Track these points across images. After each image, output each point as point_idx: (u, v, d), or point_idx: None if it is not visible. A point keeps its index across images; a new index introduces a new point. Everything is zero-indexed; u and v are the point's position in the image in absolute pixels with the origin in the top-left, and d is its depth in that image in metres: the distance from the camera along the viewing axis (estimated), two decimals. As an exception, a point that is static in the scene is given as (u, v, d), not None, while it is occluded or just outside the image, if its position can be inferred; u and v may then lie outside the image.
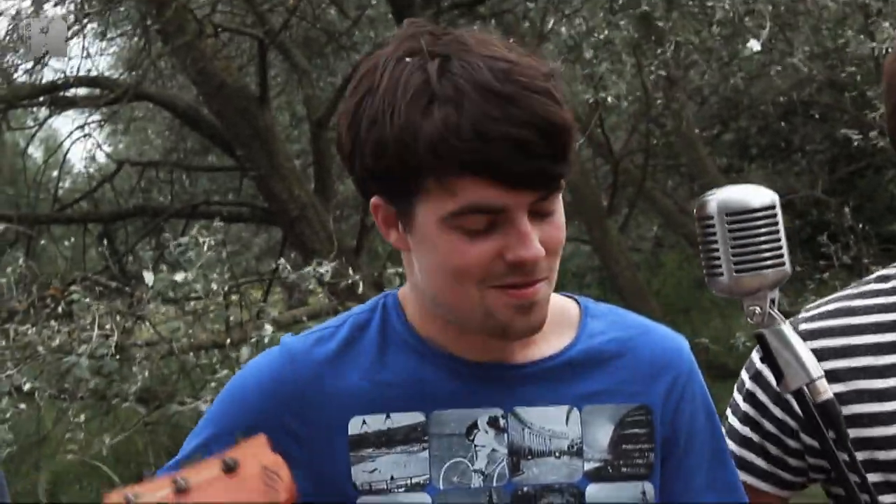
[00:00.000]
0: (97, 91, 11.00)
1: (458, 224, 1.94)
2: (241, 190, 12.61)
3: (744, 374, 2.49)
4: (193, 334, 7.87)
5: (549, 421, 2.09)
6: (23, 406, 7.21)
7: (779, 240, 2.10)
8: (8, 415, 6.95)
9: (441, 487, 2.05)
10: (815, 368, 2.10)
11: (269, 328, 6.94)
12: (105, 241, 11.37)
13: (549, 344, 2.12)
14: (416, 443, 2.06)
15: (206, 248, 7.16)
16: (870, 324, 2.40)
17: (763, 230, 2.09)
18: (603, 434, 2.10)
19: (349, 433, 2.05)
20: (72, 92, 11.15)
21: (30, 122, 14.66)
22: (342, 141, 2.03)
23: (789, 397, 2.19)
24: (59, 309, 7.45)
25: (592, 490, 2.09)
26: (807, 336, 2.33)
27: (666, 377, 2.16)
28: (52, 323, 7.48)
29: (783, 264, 2.10)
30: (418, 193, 1.95)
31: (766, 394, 2.43)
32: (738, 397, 2.49)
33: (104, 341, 7.02)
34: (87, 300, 7.34)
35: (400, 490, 2.05)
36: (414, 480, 2.05)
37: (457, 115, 1.89)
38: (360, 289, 7.64)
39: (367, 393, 2.06)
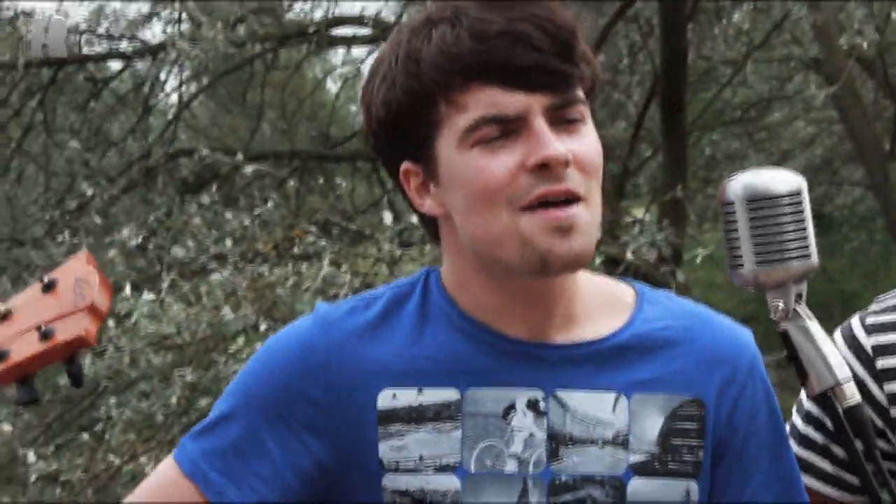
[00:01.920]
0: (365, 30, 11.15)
1: (475, 140, 1.90)
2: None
3: None
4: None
5: (594, 407, 1.98)
6: (258, 345, 7.39)
7: (805, 229, 1.94)
8: (244, 354, 7.12)
9: (472, 470, 1.97)
10: (842, 370, 1.96)
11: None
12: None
13: (599, 326, 2.02)
14: (449, 421, 1.97)
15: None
16: None
17: (788, 218, 1.94)
18: (651, 425, 1.99)
19: (378, 407, 1.98)
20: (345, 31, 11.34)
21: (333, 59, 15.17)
22: (365, 122, 2.03)
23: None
24: (297, 251, 7.58)
25: (636, 484, 1.98)
26: (874, 329, 2.22)
27: (723, 371, 2.02)
28: (298, 265, 7.62)
29: (809, 256, 1.94)
30: (433, 127, 1.93)
31: None
32: (802, 394, 2.33)
33: (335, 281, 7.12)
34: (323, 243, 7.45)
35: (428, 470, 1.97)
36: (444, 461, 1.97)
37: (454, 28, 1.90)
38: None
39: (399, 365, 1.99)
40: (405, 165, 1.99)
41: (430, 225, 2.04)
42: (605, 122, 12.21)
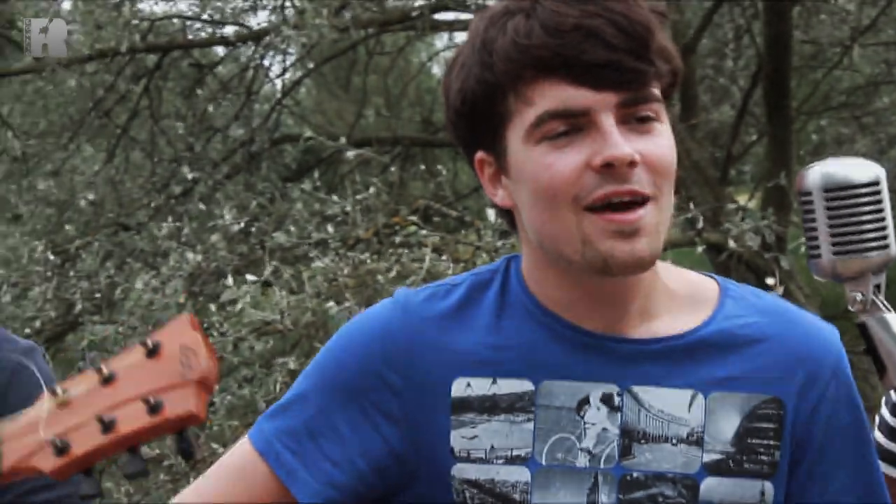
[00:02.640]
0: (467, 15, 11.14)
1: (541, 135, 1.90)
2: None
3: (884, 402, 2.29)
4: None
5: (670, 404, 1.97)
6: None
7: (883, 219, 1.92)
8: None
9: (543, 463, 1.97)
10: (923, 364, 1.91)
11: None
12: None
13: (679, 322, 2.01)
14: (522, 412, 1.98)
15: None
16: None
17: (866, 208, 1.92)
18: (728, 425, 1.98)
19: (452, 395, 1.99)
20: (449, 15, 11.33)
21: (437, 43, 15.20)
22: (444, 110, 2.04)
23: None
24: (398, 239, 7.59)
25: (710, 483, 1.97)
26: None
27: (805, 371, 2.00)
28: (398, 251, 7.63)
29: (887, 246, 1.92)
30: (504, 119, 1.93)
31: None
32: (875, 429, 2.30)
33: (437, 267, 7.11)
34: (424, 231, 7.45)
35: (499, 461, 1.98)
36: (515, 452, 1.98)
37: (529, 20, 1.89)
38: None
39: (475, 354, 2.00)
40: (479, 155, 2.00)
41: (507, 215, 2.04)
42: (708, 106, 12.08)
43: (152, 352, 1.66)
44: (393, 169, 10.54)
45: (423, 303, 2.05)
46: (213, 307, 7.28)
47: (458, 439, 1.99)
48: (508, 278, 2.05)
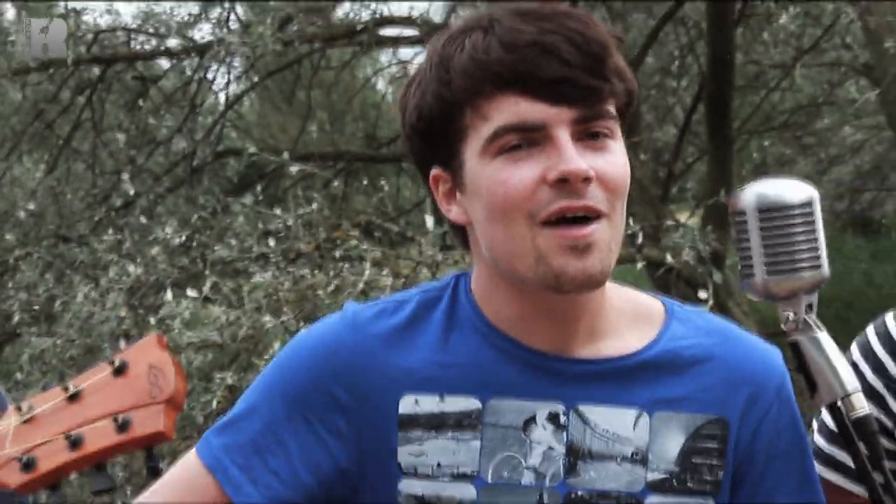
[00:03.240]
0: (411, 31, 11.16)
1: (496, 149, 1.90)
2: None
3: None
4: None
5: (615, 424, 1.99)
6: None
7: (816, 240, 1.93)
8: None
9: (489, 481, 1.98)
10: (852, 382, 1.94)
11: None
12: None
13: (625, 342, 2.02)
14: (469, 430, 1.99)
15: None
16: None
17: (799, 229, 1.93)
18: (672, 444, 1.99)
19: (399, 411, 2.00)
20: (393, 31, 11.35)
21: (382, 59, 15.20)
22: (401, 126, 2.03)
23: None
24: (339, 253, 7.58)
25: (653, 502, 1.98)
26: None
27: (748, 390, 2.02)
28: (339, 266, 7.62)
29: (819, 267, 1.92)
30: (460, 135, 1.93)
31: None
32: None
33: (377, 283, 7.10)
34: (365, 246, 7.45)
35: (445, 478, 1.98)
36: (461, 470, 1.98)
37: (486, 37, 1.90)
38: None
39: (422, 371, 2.01)
40: (435, 171, 2.00)
41: (459, 232, 2.04)
42: (653, 124, 12.16)
43: (119, 370, 1.66)
44: (336, 183, 10.53)
45: (371, 319, 2.05)
46: (152, 320, 7.25)
47: (404, 455, 1.99)
48: (457, 295, 2.06)
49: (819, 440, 2.31)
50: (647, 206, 9.52)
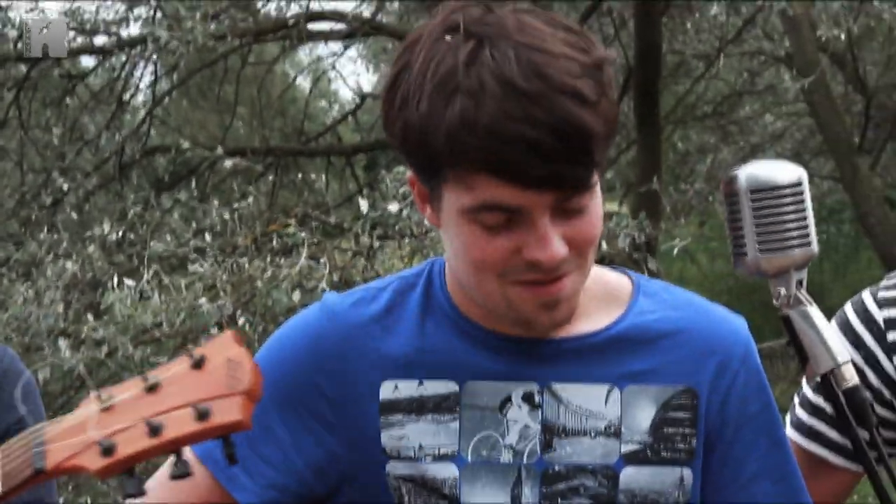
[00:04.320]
0: (341, 25, 11.17)
1: (476, 219, 1.89)
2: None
3: None
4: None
5: (587, 399, 2.03)
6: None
7: (805, 218, 2.00)
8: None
9: (469, 460, 2.02)
10: (842, 354, 2.02)
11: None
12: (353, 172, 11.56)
13: (593, 320, 2.07)
14: (448, 412, 2.03)
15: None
16: None
17: (789, 208, 2.00)
18: (644, 416, 2.04)
19: (381, 397, 2.04)
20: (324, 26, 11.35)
21: (302, 55, 15.18)
22: (384, 110, 1.99)
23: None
24: (276, 245, 7.59)
25: (628, 472, 2.03)
26: (886, 303, 2.30)
27: (715, 360, 2.07)
28: (277, 259, 7.63)
29: (809, 244, 2.00)
30: (441, 181, 1.91)
31: None
32: None
33: (312, 274, 7.12)
34: (303, 235, 7.46)
35: (427, 459, 2.03)
36: (442, 451, 2.03)
37: (475, 110, 1.83)
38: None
39: (401, 358, 2.04)
40: (412, 176, 1.99)
41: None
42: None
43: (197, 364, 1.68)
44: (271, 178, 10.53)
45: (350, 308, 2.09)
46: (90, 317, 7.23)
47: (387, 439, 2.03)
48: (431, 283, 2.09)
49: (801, 413, 2.38)
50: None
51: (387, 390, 2.04)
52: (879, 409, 2.29)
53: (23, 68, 10.24)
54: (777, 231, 1.99)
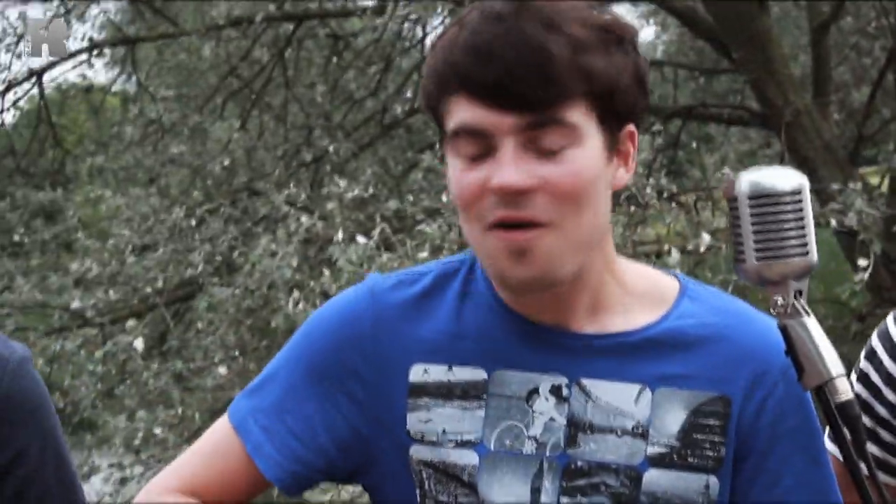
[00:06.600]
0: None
1: (456, 149, 1.95)
2: (743, 94, 12.37)
3: (863, 353, 2.35)
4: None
5: (617, 398, 2.03)
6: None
7: (804, 227, 1.97)
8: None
9: (492, 448, 2.05)
10: (835, 366, 1.97)
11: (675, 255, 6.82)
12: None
13: (632, 318, 2.07)
14: (474, 399, 2.06)
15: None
16: None
17: (789, 216, 1.97)
18: (673, 420, 2.03)
19: (409, 380, 2.08)
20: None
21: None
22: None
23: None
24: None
25: (652, 475, 2.03)
26: None
27: (753, 369, 2.05)
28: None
29: (807, 253, 1.97)
30: (441, 121, 1.99)
31: (880, 375, 2.31)
32: (853, 377, 2.35)
33: None
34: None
35: (450, 444, 2.06)
36: (465, 437, 2.05)
37: (458, 32, 1.95)
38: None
39: (434, 342, 2.08)
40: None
41: None
42: (850, 85, 11.89)
43: None
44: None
45: (390, 289, 2.13)
46: (326, 271, 7.42)
47: (413, 422, 2.07)
48: (474, 269, 2.11)
49: (857, 387, 2.34)
50: (834, 169, 9.36)
51: (416, 373, 2.07)
52: None
53: (290, 27, 10.54)
54: (775, 238, 1.96)
